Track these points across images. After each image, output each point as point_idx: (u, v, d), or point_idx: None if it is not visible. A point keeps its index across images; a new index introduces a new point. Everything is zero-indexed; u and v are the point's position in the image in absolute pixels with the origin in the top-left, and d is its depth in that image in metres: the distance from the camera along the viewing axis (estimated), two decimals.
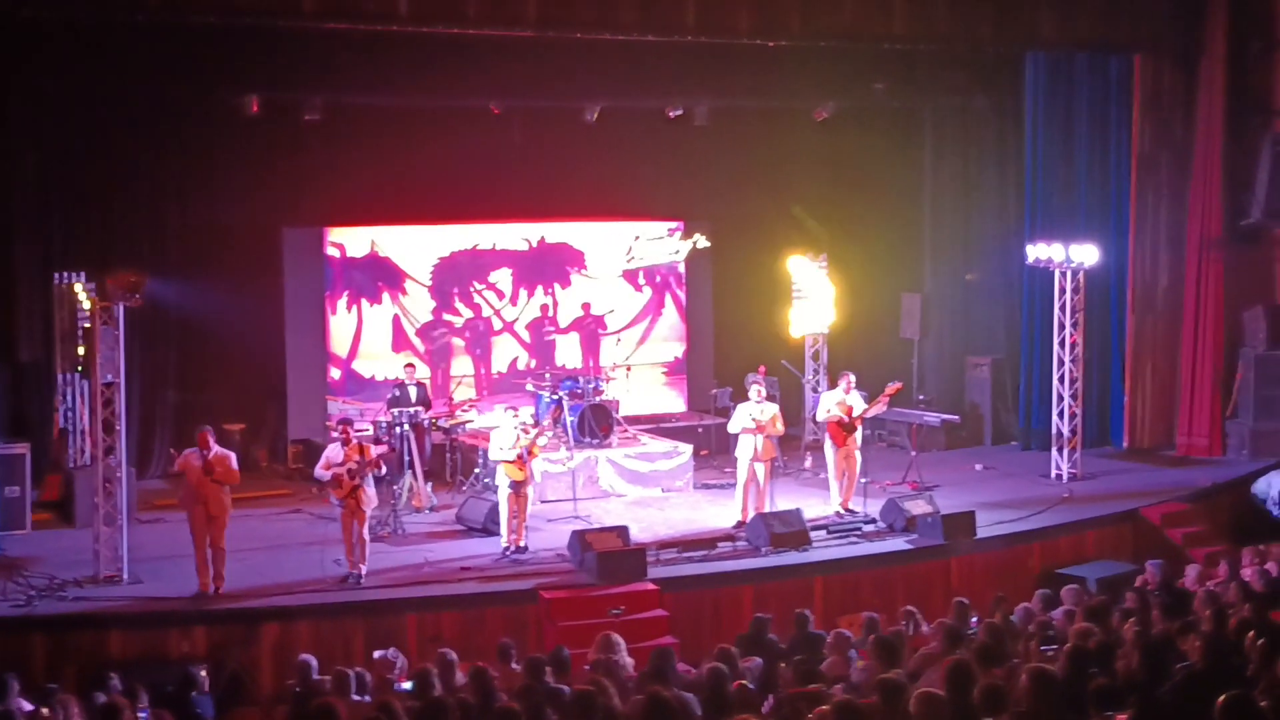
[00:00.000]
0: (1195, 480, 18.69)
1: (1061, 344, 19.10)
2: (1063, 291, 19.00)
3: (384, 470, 15.06)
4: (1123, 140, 20.60)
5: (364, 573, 14.37)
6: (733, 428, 16.55)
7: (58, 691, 11.01)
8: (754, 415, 16.22)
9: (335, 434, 14.87)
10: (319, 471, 14.60)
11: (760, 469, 16.26)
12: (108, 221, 18.64)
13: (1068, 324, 19.03)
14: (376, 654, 12.40)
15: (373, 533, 15.88)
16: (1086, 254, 18.83)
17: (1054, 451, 19.06)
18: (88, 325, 16.76)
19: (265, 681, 13.25)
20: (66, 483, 17.20)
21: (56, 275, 18.10)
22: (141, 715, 9.87)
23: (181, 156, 19.02)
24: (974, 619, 12.05)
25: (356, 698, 10.38)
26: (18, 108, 17.26)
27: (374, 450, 14.95)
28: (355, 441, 14.37)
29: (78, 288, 17.56)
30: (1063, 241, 19.04)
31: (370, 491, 14.43)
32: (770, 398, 17.24)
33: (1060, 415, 19.09)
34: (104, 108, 17.96)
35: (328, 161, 19.40)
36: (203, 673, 12.18)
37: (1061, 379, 19.13)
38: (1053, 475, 18.92)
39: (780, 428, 16.49)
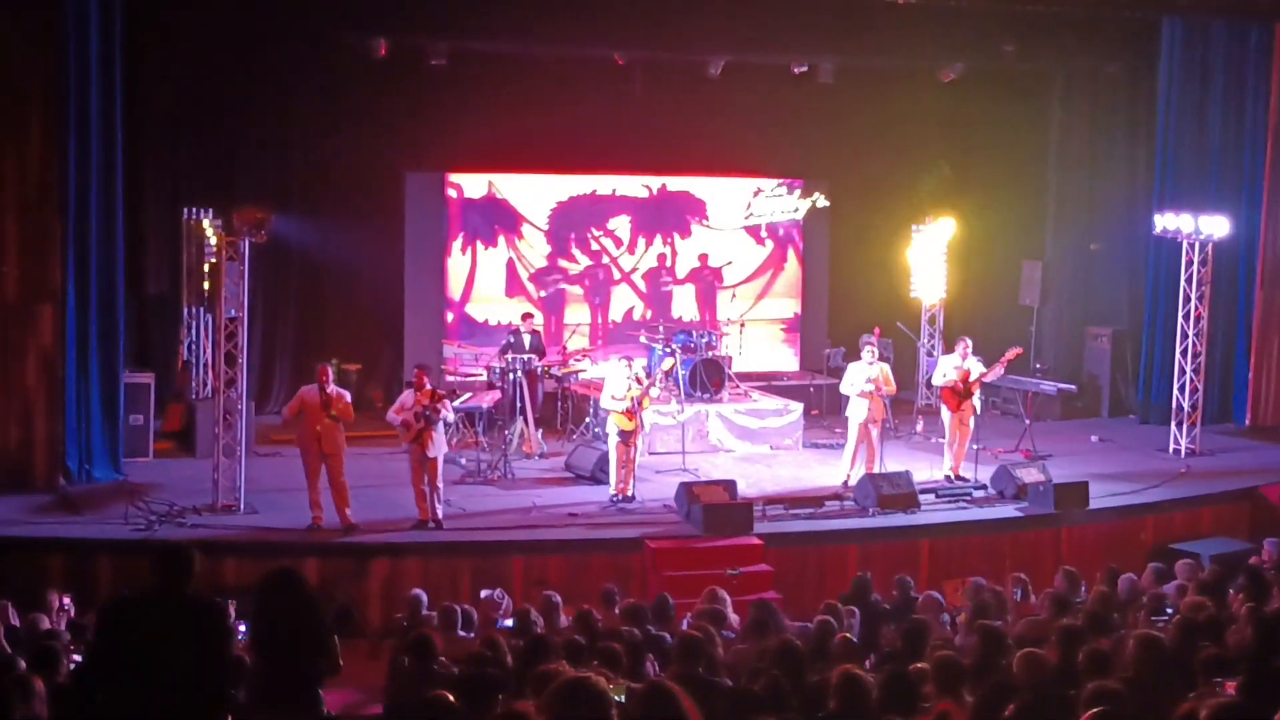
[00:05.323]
0: None
1: (1186, 317, 18.67)
2: (1190, 263, 18.59)
3: (451, 416, 14.91)
4: (1260, 111, 20.07)
5: (441, 519, 14.31)
6: (845, 388, 16.50)
7: None
8: (866, 376, 16.15)
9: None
10: (390, 415, 14.58)
11: (873, 430, 16.21)
12: (235, 160, 19.02)
13: (1194, 297, 18.60)
14: (483, 593, 12.55)
15: (483, 476, 16.17)
16: (1217, 226, 18.36)
17: (1173, 426, 18.67)
18: (213, 260, 17.09)
19: (373, 615, 13.50)
20: (188, 413, 17.58)
21: (185, 211, 18.49)
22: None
23: (309, 98, 19.30)
24: (1083, 589, 11.91)
25: (462, 634, 10.55)
26: (150, 48, 17.54)
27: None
28: (428, 387, 14.32)
29: (205, 223, 17.89)
30: (1192, 212, 18.58)
31: (439, 438, 14.29)
32: (883, 359, 17.13)
33: (1181, 390, 18.68)
34: (234, 48, 18.18)
35: (451, 107, 19.57)
36: None
37: (1184, 353, 18.71)
38: (1170, 450, 18.55)
39: (892, 388, 16.41)
